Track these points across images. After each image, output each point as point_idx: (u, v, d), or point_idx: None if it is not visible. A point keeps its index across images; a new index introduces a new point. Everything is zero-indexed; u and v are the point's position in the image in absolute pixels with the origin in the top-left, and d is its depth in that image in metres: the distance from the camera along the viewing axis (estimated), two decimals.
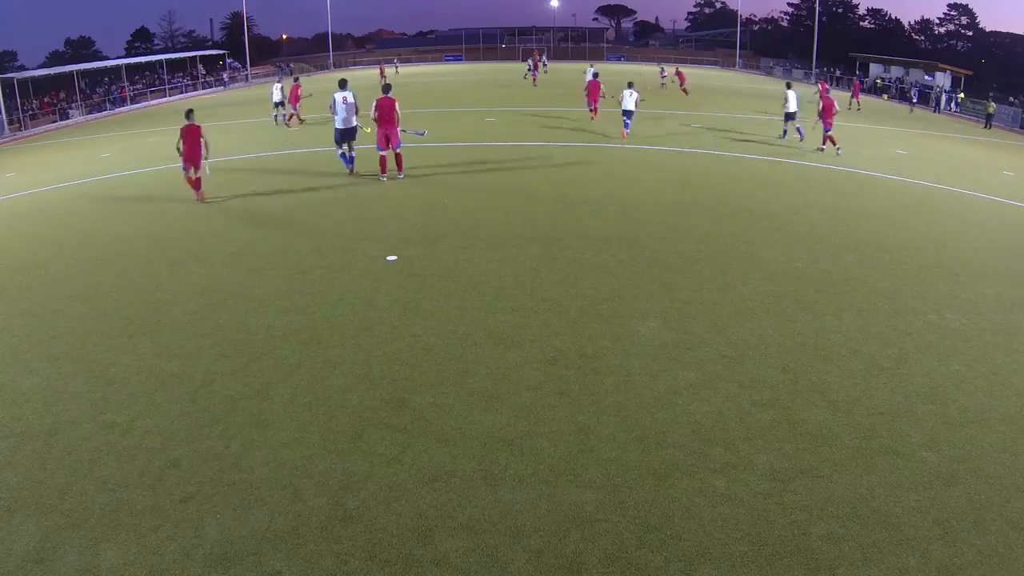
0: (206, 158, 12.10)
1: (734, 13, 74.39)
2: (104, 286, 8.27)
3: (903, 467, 4.67)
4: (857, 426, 5.16)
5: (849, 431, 5.09)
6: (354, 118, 13.27)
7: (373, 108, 12.80)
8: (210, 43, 76.06)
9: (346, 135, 13.39)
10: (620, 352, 6.32)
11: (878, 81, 45.48)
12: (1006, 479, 4.56)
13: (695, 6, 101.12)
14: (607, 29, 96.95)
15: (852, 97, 30.19)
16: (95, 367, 6.19)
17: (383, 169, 13.37)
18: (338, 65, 68.96)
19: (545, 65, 49.24)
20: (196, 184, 12.23)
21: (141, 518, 4.18)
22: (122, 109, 38.46)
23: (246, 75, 57.13)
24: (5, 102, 31.00)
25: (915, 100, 28.17)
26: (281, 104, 22.67)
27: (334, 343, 6.57)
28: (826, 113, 17.00)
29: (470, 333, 6.73)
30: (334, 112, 13.25)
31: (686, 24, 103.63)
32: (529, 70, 39.55)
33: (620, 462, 4.69)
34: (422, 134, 14.56)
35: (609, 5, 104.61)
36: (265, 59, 72.21)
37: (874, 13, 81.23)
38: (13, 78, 33.45)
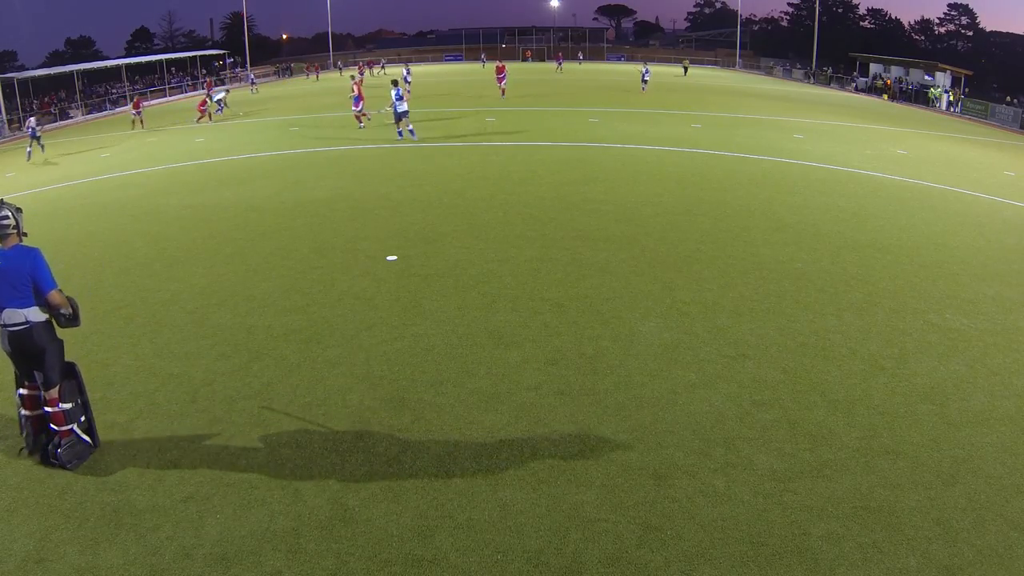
0: None
1: (734, 13, 74.37)
2: (104, 286, 8.27)
3: (903, 467, 4.67)
4: (857, 426, 5.16)
5: (849, 431, 5.09)
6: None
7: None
8: (210, 43, 76.00)
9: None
10: (620, 352, 6.32)
11: (877, 82, 45.44)
12: (1006, 479, 4.56)
13: (695, 6, 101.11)
14: (607, 29, 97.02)
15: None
16: (95, 367, 6.18)
17: None
18: (338, 65, 68.92)
19: (560, 66, 53.57)
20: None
21: (141, 518, 4.18)
22: (122, 109, 38.42)
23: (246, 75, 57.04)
24: (5, 102, 31.00)
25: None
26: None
27: (334, 343, 6.57)
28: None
29: (470, 333, 6.73)
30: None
31: (686, 24, 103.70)
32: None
33: (620, 462, 4.69)
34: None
35: (609, 5, 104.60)
36: (266, 59, 72.17)
37: (874, 13, 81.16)
38: (13, 78, 33.47)
